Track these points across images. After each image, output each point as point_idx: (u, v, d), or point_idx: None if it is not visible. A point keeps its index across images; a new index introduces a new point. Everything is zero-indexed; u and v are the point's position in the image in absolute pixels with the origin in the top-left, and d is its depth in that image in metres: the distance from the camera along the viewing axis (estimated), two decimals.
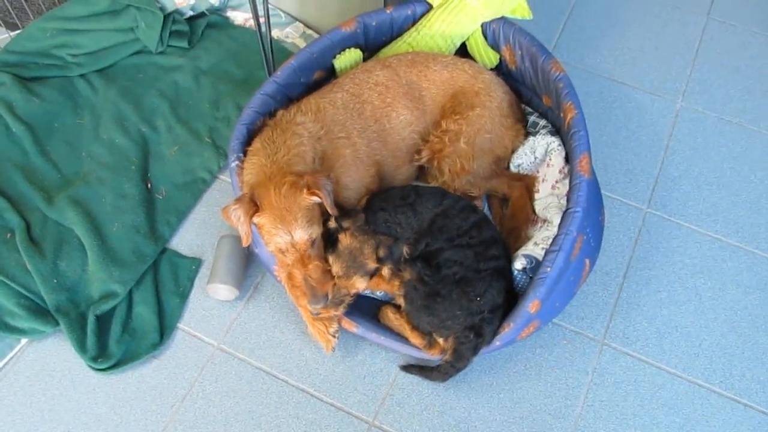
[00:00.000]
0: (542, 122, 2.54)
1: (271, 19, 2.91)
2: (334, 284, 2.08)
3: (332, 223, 2.09)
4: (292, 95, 2.43)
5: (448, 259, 2.12)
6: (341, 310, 2.13)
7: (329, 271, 2.08)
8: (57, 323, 2.27)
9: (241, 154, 2.21)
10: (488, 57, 2.58)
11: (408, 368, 2.24)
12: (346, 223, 2.10)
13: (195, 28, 2.94)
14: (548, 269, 1.99)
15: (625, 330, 2.33)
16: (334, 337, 2.21)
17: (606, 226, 2.48)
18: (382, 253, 2.08)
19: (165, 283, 2.40)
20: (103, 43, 2.82)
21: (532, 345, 2.31)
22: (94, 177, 2.54)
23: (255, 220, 2.03)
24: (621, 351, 2.29)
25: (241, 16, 3.02)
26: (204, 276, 2.42)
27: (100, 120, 2.71)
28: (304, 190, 1.99)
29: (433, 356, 2.15)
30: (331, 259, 2.08)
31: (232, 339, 2.32)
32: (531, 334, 2.19)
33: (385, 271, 2.13)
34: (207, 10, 2.98)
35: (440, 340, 2.13)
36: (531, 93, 2.59)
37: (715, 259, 2.46)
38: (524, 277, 2.16)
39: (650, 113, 2.81)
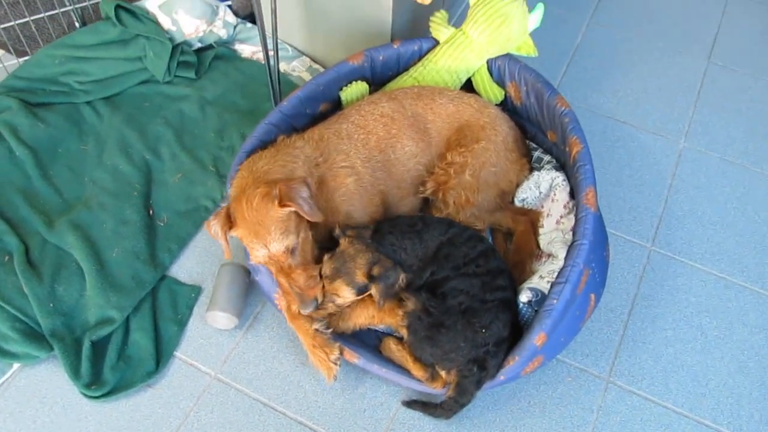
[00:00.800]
0: (547, 157, 2.55)
1: (279, 53, 2.95)
2: (323, 287, 2.07)
3: (338, 229, 2.11)
4: (297, 126, 2.44)
5: (454, 288, 2.10)
6: (329, 309, 2.12)
7: (316, 276, 2.07)
8: (51, 348, 2.22)
9: None
10: (493, 93, 2.61)
11: (410, 404, 2.19)
12: (350, 231, 2.11)
13: (203, 60, 2.97)
14: (554, 301, 1.97)
15: (630, 368, 2.29)
16: (335, 364, 2.15)
17: (610, 263, 2.46)
18: (376, 271, 2.06)
19: (163, 310, 2.36)
20: (110, 71, 2.84)
21: (536, 381, 2.26)
22: (96, 202, 2.53)
23: (233, 234, 2.03)
24: (626, 389, 2.25)
25: (248, 49, 3.05)
26: (203, 304, 2.38)
27: (104, 146, 2.71)
28: (276, 202, 1.96)
29: (435, 390, 2.10)
30: (325, 258, 2.09)
31: (229, 369, 2.26)
32: (535, 370, 2.15)
33: (374, 290, 2.10)
34: (215, 42, 3.02)
35: (443, 373, 2.09)
36: (536, 129, 2.61)
37: (721, 298, 2.44)
38: (529, 310, 2.13)
39: (653, 153, 2.82)
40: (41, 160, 2.65)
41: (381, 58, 2.57)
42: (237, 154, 2.27)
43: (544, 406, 2.21)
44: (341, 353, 2.15)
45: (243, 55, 3.05)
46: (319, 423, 2.17)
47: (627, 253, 2.54)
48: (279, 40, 3.01)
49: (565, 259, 2.04)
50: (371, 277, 2.06)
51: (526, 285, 2.17)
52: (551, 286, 2.00)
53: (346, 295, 2.08)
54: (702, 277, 2.49)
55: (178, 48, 2.90)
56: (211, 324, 2.32)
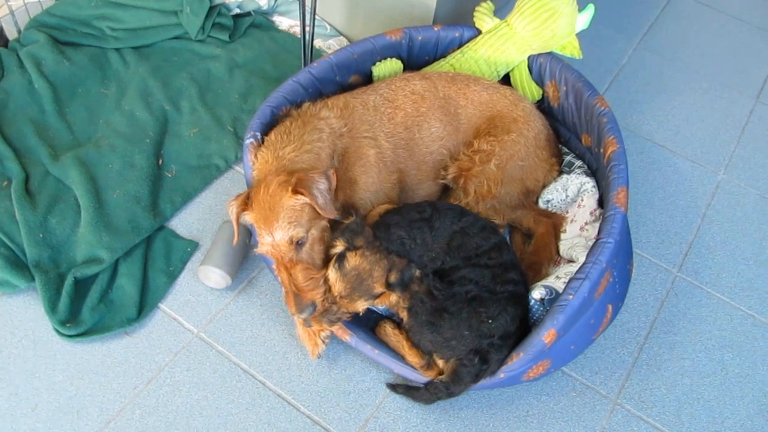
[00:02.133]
0: (578, 162, 2.42)
1: (317, 29, 2.89)
2: (325, 293, 1.87)
3: (341, 244, 1.88)
4: (325, 91, 2.35)
5: (463, 277, 1.95)
6: (336, 326, 1.96)
7: (318, 278, 1.88)
8: (32, 279, 2.11)
9: (258, 134, 2.10)
10: (531, 91, 2.50)
11: (394, 387, 2.03)
12: (358, 241, 1.89)
13: (239, 25, 2.91)
14: (570, 297, 1.81)
15: (641, 393, 2.11)
16: (323, 342, 2.02)
17: (632, 281, 2.31)
18: (393, 278, 1.89)
19: (155, 260, 2.24)
20: (144, 21, 2.79)
21: (538, 391, 2.09)
22: (106, 143, 2.44)
23: (245, 217, 1.92)
24: (634, 414, 2.06)
25: (286, 22, 2.99)
26: (198, 261, 2.26)
27: (125, 92, 2.63)
28: (289, 189, 1.85)
29: (429, 378, 1.94)
30: (334, 275, 1.87)
31: (214, 329, 2.13)
32: (538, 377, 1.98)
33: (393, 297, 1.95)
34: (254, 11, 2.96)
35: (440, 362, 1.93)
36: (570, 133, 2.49)
37: (747, 335, 2.26)
38: (541, 308, 1.98)
39: (689, 180, 2.68)
40: (59, 96, 2.58)
41: (419, 38, 2.48)
42: (260, 107, 2.17)
43: (543, 418, 2.03)
44: (332, 331, 2.01)
45: (280, 27, 2.99)
46: (300, 399, 2.01)
47: (651, 275, 2.38)
48: (318, 17, 2.95)
49: (587, 256, 1.89)
50: (389, 285, 1.90)
51: (541, 283, 2.02)
52: (569, 281, 1.85)
53: (364, 308, 1.93)
54: (729, 311, 2.31)
55: (215, 9, 2.85)
56: (202, 280, 2.19)
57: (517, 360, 1.85)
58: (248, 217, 1.92)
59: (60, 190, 2.31)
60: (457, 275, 1.96)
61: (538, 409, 2.05)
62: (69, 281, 2.09)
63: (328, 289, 1.87)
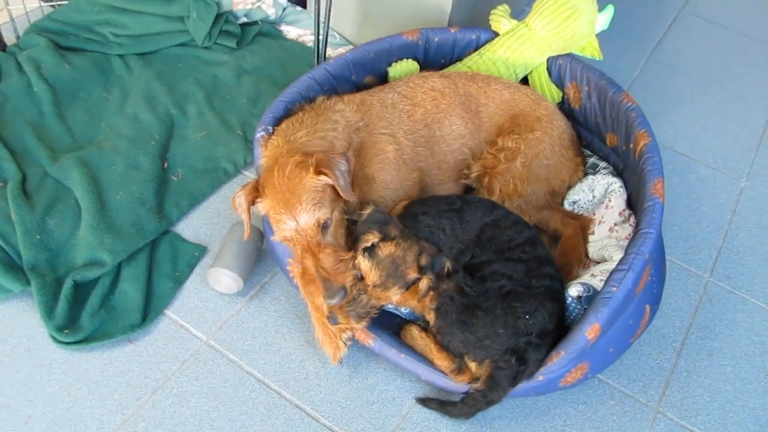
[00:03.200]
0: (603, 164, 2.33)
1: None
2: (355, 277, 1.76)
3: (374, 237, 1.76)
4: (340, 90, 2.26)
5: (496, 272, 1.83)
6: (363, 324, 1.81)
7: (347, 260, 1.77)
8: (27, 283, 1.95)
9: (270, 128, 2.00)
10: (551, 93, 2.43)
11: (426, 401, 1.88)
12: (392, 231, 1.78)
13: (246, 33, 2.84)
14: (614, 289, 1.69)
15: (683, 400, 1.97)
16: (345, 345, 1.87)
17: (664, 286, 2.19)
18: (424, 261, 1.78)
19: (161, 264, 2.09)
20: (149, 27, 2.70)
21: (574, 399, 1.94)
22: (109, 144, 2.32)
23: (258, 206, 1.79)
24: (678, 423, 1.92)
25: (294, 32, 2.92)
26: (206, 265, 2.12)
27: (128, 96, 2.53)
28: (311, 170, 1.74)
29: (460, 384, 1.79)
30: (367, 264, 1.76)
31: (224, 336, 1.97)
32: (575, 383, 1.84)
33: (423, 283, 1.81)
34: (261, 20, 2.90)
35: (472, 365, 1.79)
36: (592, 135, 2.41)
37: None
38: (579, 306, 1.85)
39: (712, 187, 2.60)
40: (59, 100, 2.46)
41: (436, 39, 2.41)
42: (273, 102, 2.07)
43: (582, 428, 1.89)
44: (353, 334, 1.87)
45: (288, 37, 2.92)
46: (319, 410, 1.85)
47: (682, 280, 2.27)
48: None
49: (627, 248, 1.78)
50: (420, 269, 1.79)
51: (577, 281, 1.90)
52: (610, 274, 1.73)
53: (396, 298, 1.80)
54: (766, 317, 2.20)
55: (222, 16, 2.78)
56: (211, 284, 2.05)
57: (558, 360, 1.72)
58: (262, 205, 1.78)
59: (59, 191, 2.17)
60: (489, 270, 1.84)
61: (576, 418, 1.90)
62: (68, 285, 1.93)
63: (359, 277, 1.75)
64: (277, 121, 2.03)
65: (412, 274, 1.78)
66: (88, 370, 1.86)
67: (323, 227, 1.74)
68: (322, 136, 1.91)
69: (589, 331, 1.68)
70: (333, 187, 1.75)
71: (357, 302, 1.76)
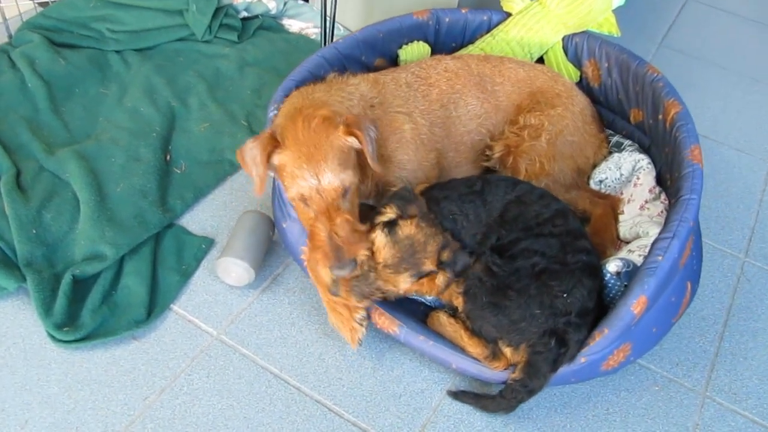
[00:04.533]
0: (627, 141, 2.22)
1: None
2: (368, 251, 1.63)
3: (391, 212, 1.66)
4: (350, 70, 2.14)
5: (526, 249, 1.70)
6: (364, 304, 1.69)
7: (362, 232, 1.64)
8: (23, 280, 1.81)
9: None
10: (568, 73, 2.33)
11: (458, 395, 1.73)
12: (412, 210, 1.67)
13: (247, 27, 2.74)
14: (659, 258, 1.57)
15: (731, 384, 1.84)
16: (361, 325, 1.72)
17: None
18: (445, 256, 1.67)
19: (166, 257, 1.96)
20: (147, 23, 2.60)
21: (615, 386, 1.80)
22: (107, 137, 2.20)
23: (275, 159, 1.63)
24: (728, 408, 1.78)
25: (297, 25, 2.83)
26: (213, 258, 1.98)
27: (126, 91, 2.41)
28: (341, 128, 1.61)
29: (495, 372, 1.65)
30: (383, 240, 1.64)
31: (236, 330, 1.83)
32: (618, 367, 1.71)
33: (440, 278, 1.70)
34: (262, 14, 2.80)
35: (507, 351, 1.65)
36: (614, 115, 2.30)
37: None
38: (618, 283, 1.72)
39: (739, 168, 2.50)
40: (54, 96, 2.35)
41: (447, 20, 2.32)
42: (284, 81, 1.96)
43: (626, 416, 1.75)
44: (368, 314, 1.73)
45: (291, 30, 2.82)
46: (342, 405, 1.70)
47: (717, 261, 2.15)
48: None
49: (669, 216, 1.66)
50: (440, 263, 1.67)
51: (614, 257, 1.78)
52: (654, 243, 1.61)
53: (404, 287, 1.68)
54: None
55: (222, 9, 2.68)
56: (221, 276, 1.91)
57: (601, 339, 1.59)
58: (278, 158, 1.62)
59: (56, 184, 2.05)
60: (518, 248, 1.71)
61: (619, 406, 1.77)
62: (66, 280, 1.80)
63: (371, 253, 1.61)
64: None
65: (429, 266, 1.67)
66: (90, 369, 1.71)
67: (344, 192, 1.61)
68: (340, 100, 1.80)
69: (635, 304, 1.55)
70: (357, 153, 1.63)
71: (364, 279, 1.64)
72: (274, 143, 1.64)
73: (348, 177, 1.62)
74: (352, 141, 1.63)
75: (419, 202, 1.70)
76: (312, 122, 1.61)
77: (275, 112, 1.86)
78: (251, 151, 1.63)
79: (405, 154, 1.93)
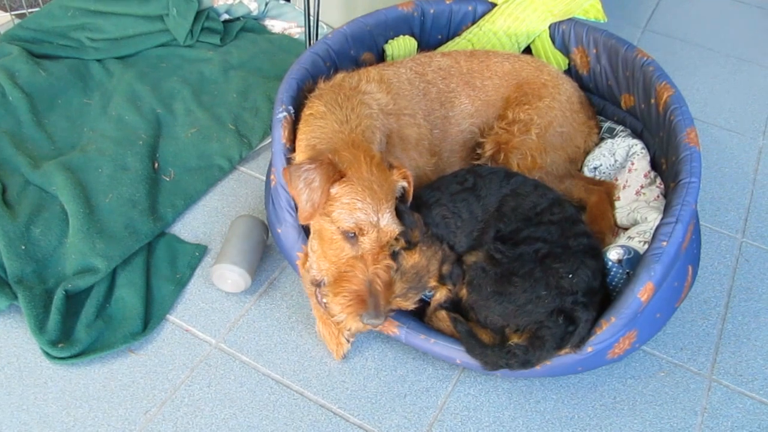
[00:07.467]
0: (620, 127, 2.21)
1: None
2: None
3: (397, 244, 1.63)
4: (341, 66, 2.11)
5: (528, 237, 1.68)
6: (365, 328, 1.64)
7: (394, 281, 1.62)
8: (14, 297, 1.77)
9: (291, 108, 1.84)
10: (556, 61, 2.31)
11: (456, 321, 1.66)
12: (415, 236, 1.65)
13: (229, 30, 2.70)
14: (663, 243, 1.55)
15: (736, 366, 1.83)
16: (347, 341, 1.73)
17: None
18: (445, 269, 1.68)
19: (159, 267, 1.92)
20: (127, 30, 2.56)
21: (621, 374, 1.79)
22: (93, 147, 2.16)
23: (333, 188, 1.56)
24: (735, 390, 1.77)
25: (279, 25, 2.80)
26: (208, 265, 1.95)
27: (110, 100, 2.37)
28: (394, 171, 1.62)
29: None
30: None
31: (235, 338, 1.80)
32: (623, 355, 1.69)
33: (442, 293, 1.71)
34: (243, 16, 2.77)
35: (514, 337, 1.62)
36: (604, 102, 2.29)
37: None
38: (620, 271, 1.71)
39: (730, 148, 2.49)
40: (36, 108, 2.30)
41: (432, 11, 2.29)
42: (285, 80, 1.89)
43: (634, 404, 1.73)
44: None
45: (273, 31, 2.79)
46: (348, 408, 1.68)
47: (715, 242, 2.14)
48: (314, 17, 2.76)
49: (670, 201, 1.65)
50: (441, 277, 1.68)
51: (614, 245, 1.76)
52: (657, 228, 1.59)
53: (411, 307, 1.68)
54: None
55: (203, 12, 2.64)
56: (216, 284, 1.88)
57: (609, 327, 1.57)
58: (339, 188, 1.55)
59: (43, 198, 2.00)
60: (520, 237, 1.69)
61: (626, 394, 1.75)
62: (59, 295, 1.76)
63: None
64: (294, 101, 1.87)
65: (433, 283, 1.68)
66: (87, 386, 1.67)
67: (395, 237, 1.62)
68: (368, 125, 1.75)
69: (642, 291, 1.53)
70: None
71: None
72: (339, 173, 1.56)
73: (399, 225, 1.61)
74: (404, 183, 1.65)
75: (419, 223, 1.67)
76: (374, 161, 1.59)
77: (284, 114, 1.81)
78: (308, 174, 1.54)
79: (410, 161, 1.90)
